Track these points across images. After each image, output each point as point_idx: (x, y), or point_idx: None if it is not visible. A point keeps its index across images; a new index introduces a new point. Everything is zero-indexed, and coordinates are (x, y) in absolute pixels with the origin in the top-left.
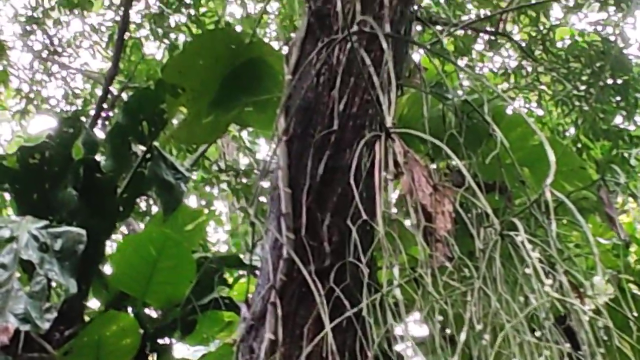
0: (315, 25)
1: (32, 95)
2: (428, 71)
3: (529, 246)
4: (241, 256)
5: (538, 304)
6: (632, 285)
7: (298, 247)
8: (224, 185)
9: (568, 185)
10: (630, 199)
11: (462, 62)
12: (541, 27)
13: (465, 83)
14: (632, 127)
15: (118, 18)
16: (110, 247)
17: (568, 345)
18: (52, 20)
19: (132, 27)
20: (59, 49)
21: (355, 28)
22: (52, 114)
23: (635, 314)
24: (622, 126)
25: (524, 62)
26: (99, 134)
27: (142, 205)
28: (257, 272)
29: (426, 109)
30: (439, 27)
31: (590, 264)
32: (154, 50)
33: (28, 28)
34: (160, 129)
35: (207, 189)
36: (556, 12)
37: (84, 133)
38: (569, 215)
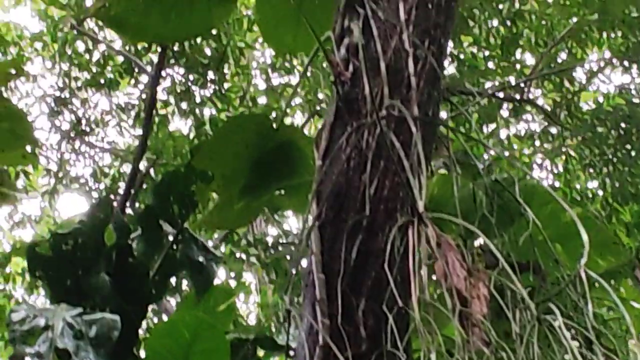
0: (344, 109)
1: (60, 175)
2: (454, 142)
3: (567, 333)
4: (275, 338)
5: None
6: None
7: (334, 333)
8: (253, 259)
9: (601, 261)
10: None
11: (487, 129)
12: (564, 92)
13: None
14: None
15: (144, 96)
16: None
17: None
18: (79, 100)
19: (158, 104)
20: (87, 128)
21: (383, 112)
22: (81, 192)
23: None
24: None
25: (548, 127)
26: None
27: (172, 280)
28: (292, 352)
29: (456, 189)
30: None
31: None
32: (181, 125)
33: (55, 108)
34: (192, 210)
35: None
36: (579, 74)
37: (115, 217)
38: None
